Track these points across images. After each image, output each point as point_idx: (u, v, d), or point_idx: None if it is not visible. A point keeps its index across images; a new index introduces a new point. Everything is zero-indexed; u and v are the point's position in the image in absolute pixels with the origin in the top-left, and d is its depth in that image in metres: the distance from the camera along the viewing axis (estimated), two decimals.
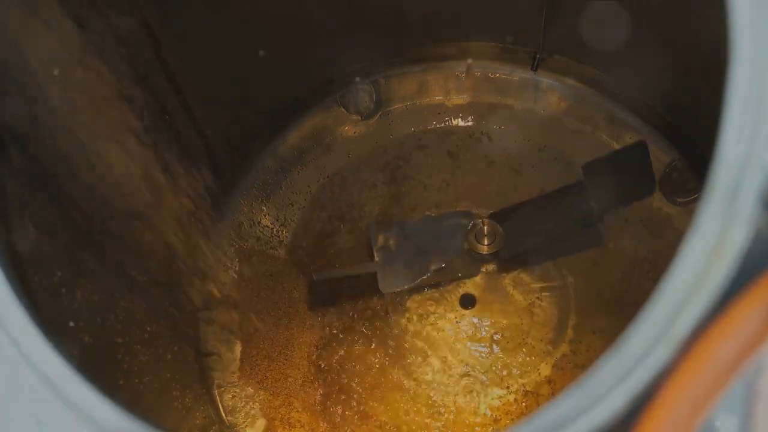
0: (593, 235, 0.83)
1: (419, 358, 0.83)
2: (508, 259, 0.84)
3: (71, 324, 0.56)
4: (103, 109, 0.62)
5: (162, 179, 0.70)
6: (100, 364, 0.60)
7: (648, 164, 0.77)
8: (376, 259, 0.82)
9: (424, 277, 0.83)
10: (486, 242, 0.83)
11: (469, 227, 0.83)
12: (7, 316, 0.41)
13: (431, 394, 0.81)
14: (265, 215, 0.90)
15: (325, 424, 0.81)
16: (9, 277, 0.42)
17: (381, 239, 0.82)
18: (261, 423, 0.82)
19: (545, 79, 0.90)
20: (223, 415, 0.82)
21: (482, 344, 0.83)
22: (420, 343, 0.83)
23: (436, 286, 0.84)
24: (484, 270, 0.85)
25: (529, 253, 0.84)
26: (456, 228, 0.83)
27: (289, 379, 0.83)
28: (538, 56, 0.88)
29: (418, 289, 0.85)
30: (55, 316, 0.54)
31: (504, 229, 0.82)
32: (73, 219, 0.59)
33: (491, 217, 0.84)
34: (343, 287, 0.86)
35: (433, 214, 0.87)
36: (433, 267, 0.82)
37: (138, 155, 0.66)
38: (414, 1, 0.83)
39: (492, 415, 0.80)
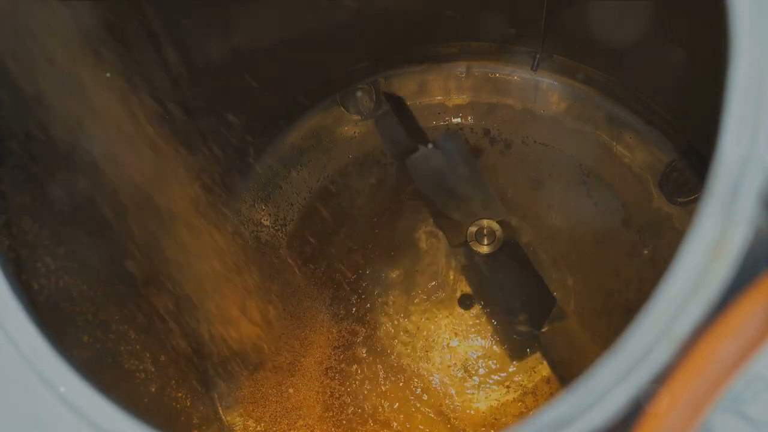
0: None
1: (419, 359, 0.83)
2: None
3: (71, 324, 0.56)
4: (104, 111, 0.62)
5: (162, 179, 0.70)
6: (100, 364, 0.60)
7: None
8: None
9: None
10: (486, 242, 0.83)
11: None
12: (7, 316, 0.41)
13: (431, 394, 0.81)
14: (265, 215, 0.90)
15: (326, 425, 0.81)
16: (9, 277, 0.42)
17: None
18: (260, 424, 0.82)
19: (545, 79, 0.90)
20: (223, 415, 0.82)
21: (481, 344, 0.83)
22: (420, 344, 0.83)
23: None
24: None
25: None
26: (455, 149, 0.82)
27: (290, 379, 0.83)
28: (538, 56, 0.88)
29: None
30: (55, 316, 0.54)
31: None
32: (72, 219, 0.59)
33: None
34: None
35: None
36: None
37: (138, 156, 0.66)
38: (414, 2, 0.83)
39: (492, 414, 0.80)
